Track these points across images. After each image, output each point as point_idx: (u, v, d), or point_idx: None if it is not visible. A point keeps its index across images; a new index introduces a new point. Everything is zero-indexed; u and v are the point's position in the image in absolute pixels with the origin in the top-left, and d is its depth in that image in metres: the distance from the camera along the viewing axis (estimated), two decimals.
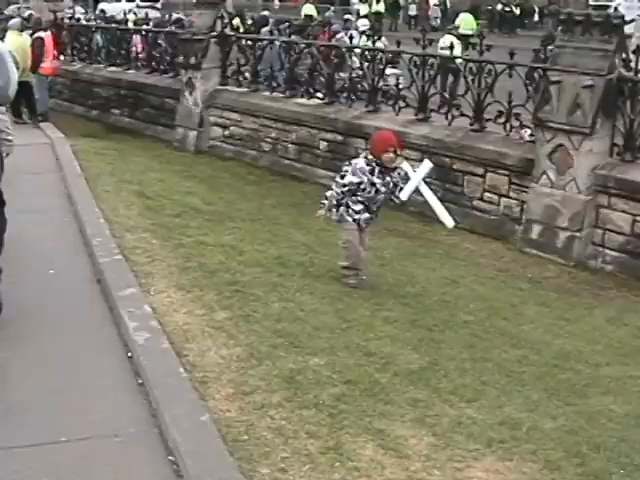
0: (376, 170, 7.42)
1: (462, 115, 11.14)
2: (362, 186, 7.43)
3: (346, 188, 7.47)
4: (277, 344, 6.04)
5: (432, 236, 9.96)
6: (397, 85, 12.34)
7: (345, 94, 13.00)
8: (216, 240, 8.51)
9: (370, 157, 7.49)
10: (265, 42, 14.92)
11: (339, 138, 12.55)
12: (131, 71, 17.88)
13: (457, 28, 22.52)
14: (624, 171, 9.36)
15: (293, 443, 4.78)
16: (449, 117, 11.23)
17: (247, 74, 14.85)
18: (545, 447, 5.00)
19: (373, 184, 7.42)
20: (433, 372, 5.86)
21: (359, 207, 7.50)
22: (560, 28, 10.12)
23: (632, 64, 9.35)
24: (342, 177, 7.55)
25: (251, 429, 4.91)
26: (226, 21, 15.29)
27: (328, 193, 7.68)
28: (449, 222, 7.45)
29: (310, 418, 5.05)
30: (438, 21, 40.51)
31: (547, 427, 5.25)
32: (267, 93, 14.30)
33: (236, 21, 17.30)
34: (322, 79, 13.43)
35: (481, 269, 8.64)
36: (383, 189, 7.46)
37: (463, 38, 19.81)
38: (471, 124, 11.00)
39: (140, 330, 6.19)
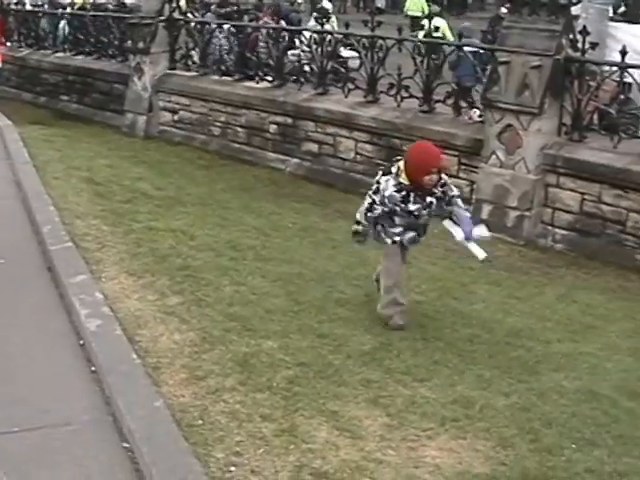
0: (411, 197, 6.16)
1: (411, 96, 11.15)
2: (396, 214, 6.26)
3: (374, 220, 6.37)
4: (230, 328, 6.05)
5: None
6: (345, 67, 12.38)
7: (294, 77, 12.99)
8: (167, 225, 8.47)
9: (403, 180, 6.13)
10: (214, 26, 14.83)
11: (289, 121, 12.53)
12: (79, 57, 17.69)
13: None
14: (572, 150, 9.45)
15: (247, 426, 4.79)
16: (398, 98, 11.24)
17: (196, 58, 14.77)
18: (498, 424, 5.06)
19: (410, 212, 6.23)
20: (386, 353, 5.90)
21: (399, 229, 6.34)
22: (508, 9, 10.19)
23: (579, 45, 9.41)
24: (370, 208, 6.34)
25: (205, 414, 4.91)
26: (174, 5, 15.17)
27: (358, 215, 6.58)
28: (480, 255, 6.55)
29: (264, 401, 5.06)
30: (384, 2, 40.44)
31: (500, 405, 5.31)
32: (216, 77, 14.24)
33: (182, 2, 17.13)
34: (271, 62, 13.39)
35: (432, 250, 8.66)
36: (425, 212, 6.27)
37: (413, 20, 19.87)
38: (420, 105, 11.03)
39: (92, 317, 6.16)
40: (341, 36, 12.50)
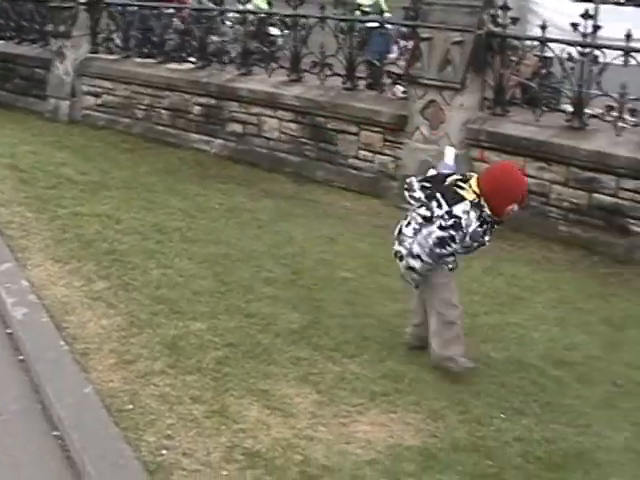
0: (488, 228, 5.32)
1: (335, 74, 11.15)
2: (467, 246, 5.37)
3: (446, 257, 5.35)
4: (157, 311, 6.03)
5: (309, 196, 10.00)
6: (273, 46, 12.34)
7: (217, 57, 12.90)
8: (92, 210, 8.39)
9: (486, 210, 5.22)
10: (135, 8, 14.64)
11: (212, 102, 12.43)
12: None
13: None
14: (495, 124, 9.53)
15: (178, 409, 4.79)
16: (321, 77, 11.23)
17: (118, 41, 14.58)
18: (428, 397, 5.14)
19: (483, 244, 5.42)
20: (315, 330, 5.93)
21: (452, 258, 5.43)
22: None
23: (500, 20, 9.49)
24: (443, 243, 5.24)
25: (135, 398, 4.90)
26: None
27: (414, 248, 5.35)
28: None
29: (194, 383, 5.07)
30: None
31: (429, 378, 5.39)
32: (139, 59, 14.08)
33: None
34: (194, 43, 13.27)
35: (359, 226, 8.72)
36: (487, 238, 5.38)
37: None
38: (343, 83, 11.03)
39: (18, 305, 6.11)
40: (264, 15, 12.44)
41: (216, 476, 4.24)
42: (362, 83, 11.19)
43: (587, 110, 9.26)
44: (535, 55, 9.96)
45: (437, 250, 5.24)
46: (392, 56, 12.20)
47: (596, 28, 8.86)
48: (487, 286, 7.32)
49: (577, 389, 5.47)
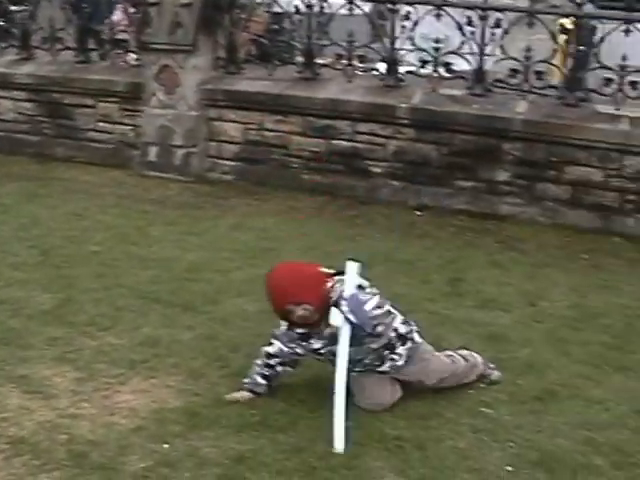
0: (312, 334, 4.67)
1: (66, 48, 10.86)
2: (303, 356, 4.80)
3: (271, 362, 4.77)
4: None
5: (52, 174, 9.75)
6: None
7: None
8: None
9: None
10: None
11: None
12: None
13: None
14: (230, 83, 9.61)
15: None
16: (53, 52, 10.90)
17: None
18: (186, 358, 5.18)
19: (317, 351, 4.71)
20: (68, 308, 5.84)
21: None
22: None
23: None
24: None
25: None
26: None
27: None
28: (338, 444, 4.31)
29: None
30: None
31: (186, 338, 5.43)
32: None
33: None
34: None
35: (104, 199, 8.61)
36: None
37: None
38: (76, 56, 10.77)
39: None
40: None
41: None
42: (95, 54, 10.93)
43: (318, 60, 9.50)
44: (266, 11, 10.10)
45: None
46: (114, 18, 11.88)
47: None
48: (236, 242, 7.41)
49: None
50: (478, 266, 7.13)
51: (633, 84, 8.22)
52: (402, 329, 4.73)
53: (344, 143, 9.00)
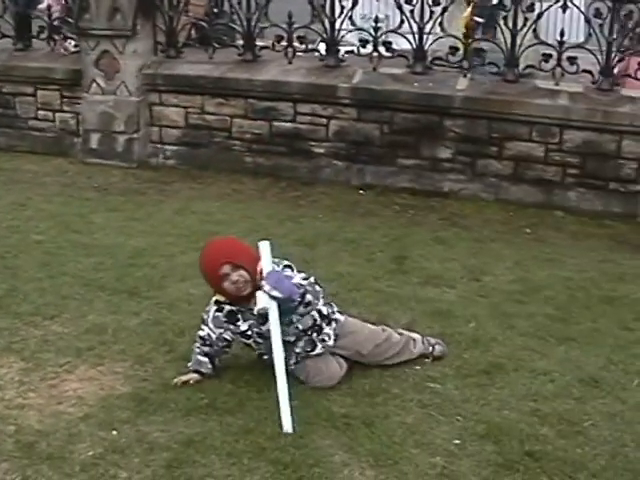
0: (236, 311, 4.69)
1: (4, 36, 10.68)
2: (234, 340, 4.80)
3: (205, 346, 4.76)
4: None
5: None
6: None
7: None
8: None
9: (219, 298, 4.73)
10: None
11: None
12: None
13: None
14: (170, 67, 9.56)
15: None
16: None
17: None
18: (133, 343, 5.17)
19: (245, 332, 4.73)
20: (12, 298, 5.78)
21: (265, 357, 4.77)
22: None
23: None
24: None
25: None
26: None
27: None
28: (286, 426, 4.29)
29: None
30: None
31: (132, 324, 5.41)
32: None
33: None
34: None
35: (47, 188, 8.53)
36: (264, 329, 4.60)
37: None
38: (14, 44, 10.62)
39: None
40: None
41: None
42: (36, 42, 10.78)
43: (258, 42, 9.48)
44: None
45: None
46: (42, 7, 11.75)
47: None
48: (180, 226, 7.40)
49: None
50: (422, 243, 7.19)
51: (571, 60, 8.31)
52: (324, 310, 4.79)
53: (286, 124, 9.01)
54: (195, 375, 4.77)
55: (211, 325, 4.75)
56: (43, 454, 4.04)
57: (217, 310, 4.74)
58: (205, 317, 4.79)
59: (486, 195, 8.51)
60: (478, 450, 4.17)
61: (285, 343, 4.52)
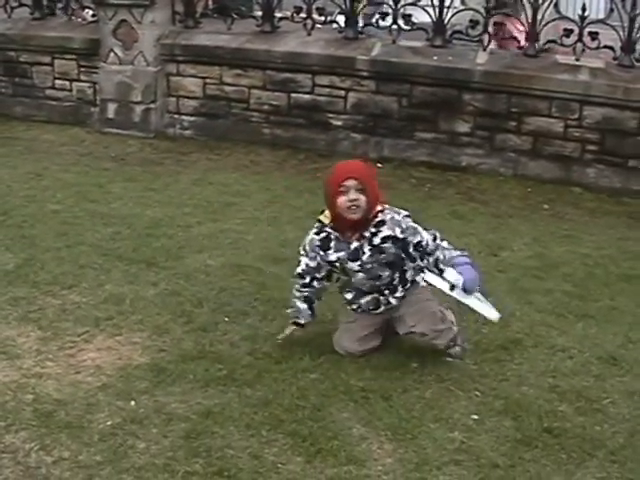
0: (332, 238, 4.60)
1: (22, 5, 10.66)
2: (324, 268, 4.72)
3: (306, 279, 4.73)
4: None
5: (10, 134, 9.64)
6: None
7: None
8: None
9: (323, 219, 4.62)
10: None
11: None
12: None
13: None
14: (188, 37, 9.52)
15: None
16: (8, 9, 10.71)
17: None
18: (151, 314, 5.16)
19: (333, 263, 4.66)
20: (30, 267, 5.78)
21: (349, 295, 4.78)
22: None
23: None
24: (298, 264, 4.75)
25: None
26: None
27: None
28: (493, 315, 4.73)
29: None
30: None
31: (149, 295, 5.41)
32: None
33: None
34: None
35: (64, 157, 8.52)
36: (355, 265, 4.60)
37: None
38: (32, 13, 10.58)
39: None
40: None
41: None
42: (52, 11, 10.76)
43: (277, 14, 9.44)
44: None
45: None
46: None
47: None
48: (197, 197, 7.40)
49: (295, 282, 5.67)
50: (439, 217, 7.15)
51: (592, 35, 8.24)
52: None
53: (304, 96, 8.97)
54: (294, 327, 4.81)
55: (308, 249, 4.66)
56: (61, 423, 4.03)
57: (315, 233, 4.64)
58: (301, 247, 4.72)
59: (504, 170, 8.47)
60: (496, 426, 4.16)
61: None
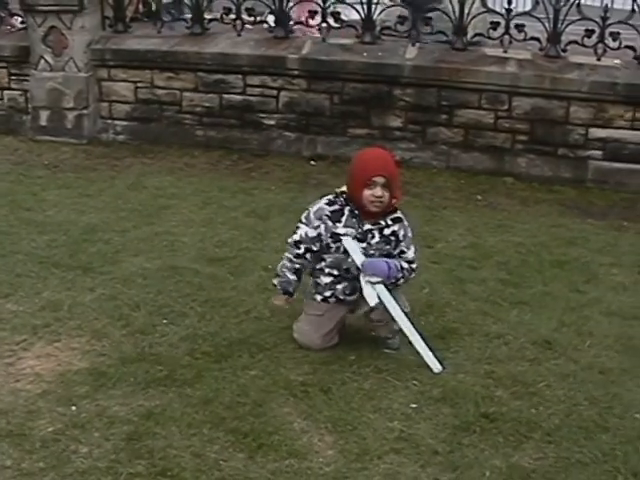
0: (346, 212, 4.73)
1: None
2: (323, 242, 4.78)
3: (300, 249, 4.82)
4: None
5: None
6: None
7: None
8: None
9: (340, 192, 4.81)
10: None
11: None
12: None
13: None
14: (119, 42, 9.47)
15: None
16: None
17: None
18: (89, 319, 5.15)
19: (337, 237, 4.74)
20: None
21: (328, 279, 4.84)
22: None
23: None
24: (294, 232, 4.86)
25: None
26: None
27: (278, 266, 4.97)
28: (436, 368, 4.66)
29: None
30: None
31: (87, 300, 5.39)
32: None
33: None
34: None
35: None
36: (369, 246, 4.72)
37: None
38: None
39: None
40: None
41: None
42: None
43: (207, 15, 9.44)
44: None
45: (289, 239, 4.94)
46: None
47: None
48: (132, 201, 7.37)
49: (232, 281, 5.72)
50: None
51: (519, 27, 8.37)
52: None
53: (236, 97, 8.99)
54: (285, 297, 4.93)
55: (312, 217, 4.78)
56: (2, 432, 4.02)
57: (327, 203, 4.78)
58: (304, 217, 4.84)
59: (437, 163, 8.57)
60: (435, 413, 4.24)
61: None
